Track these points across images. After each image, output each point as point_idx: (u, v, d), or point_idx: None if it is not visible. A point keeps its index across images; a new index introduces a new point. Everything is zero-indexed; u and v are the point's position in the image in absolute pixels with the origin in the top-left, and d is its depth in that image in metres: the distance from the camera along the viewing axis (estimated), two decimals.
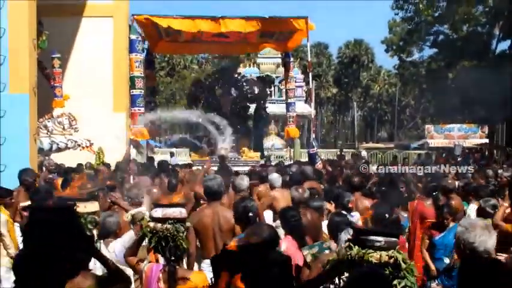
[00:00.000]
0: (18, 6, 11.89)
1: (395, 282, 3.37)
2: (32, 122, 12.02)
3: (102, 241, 5.62)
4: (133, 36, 12.75)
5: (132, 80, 12.41)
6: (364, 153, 32.82)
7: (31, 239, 3.03)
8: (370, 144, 53.77)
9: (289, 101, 16.64)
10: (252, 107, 16.85)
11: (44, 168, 11.95)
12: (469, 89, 37.59)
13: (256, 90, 16.84)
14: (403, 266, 3.39)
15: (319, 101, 69.12)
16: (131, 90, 12.53)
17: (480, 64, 35.16)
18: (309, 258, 5.38)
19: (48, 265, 2.77)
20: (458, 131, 40.30)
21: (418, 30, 42.52)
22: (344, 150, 30.92)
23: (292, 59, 17.20)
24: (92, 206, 5.13)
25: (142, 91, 12.62)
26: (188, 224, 4.79)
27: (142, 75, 12.60)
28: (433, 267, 7.09)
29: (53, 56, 16.00)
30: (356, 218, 7.19)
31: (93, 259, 4.06)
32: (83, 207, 4.88)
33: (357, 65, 74.32)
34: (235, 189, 8.32)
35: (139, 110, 12.41)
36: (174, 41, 16.67)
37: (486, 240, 3.93)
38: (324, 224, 5.96)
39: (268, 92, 22.13)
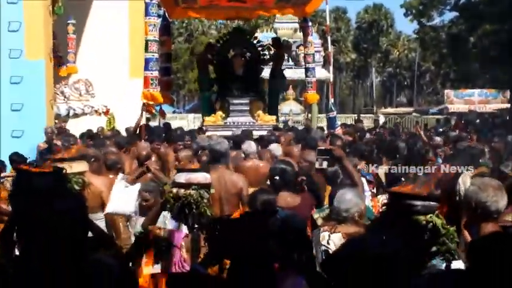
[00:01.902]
0: None
1: (434, 248, 3.28)
2: (48, 88, 12.10)
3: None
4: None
5: (145, 43, 12.30)
6: (382, 118, 32.62)
7: (17, 205, 2.90)
8: (389, 109, 53.36)
9: (307, 66, 16.45)
10: (267, 71, 16.58)
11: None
12: (491, 53, 37.08)
13: (271, 52, 16.57)
14: (442, 231, 3.27)
15: (337, 67, 68.58)
16: (145, 54, 12.42)
17: (502, 28, 34.46)
18: (319, 222, 5.39)
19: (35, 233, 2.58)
20: (479, 96, 39.83)
21: None
22: (362, 115, 30.80)
23: (310, 24, 16.82)
24: (79, 166, 4.94)
25: (156, 55, 12.48)
26: (213, 190, 4.63)
27: (156, 38, 12.44)
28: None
29: (68, 22, 16.01)
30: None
31: None
32: (69, 168, 4.59)
33: (376, 30, 73.37)
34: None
35: (151, 73, 12.24)
36: (190, 7, 16.44)
37: (498, 200, 3.86)
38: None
39: (286, 56, 21.70)
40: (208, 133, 12.65)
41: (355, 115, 36.63)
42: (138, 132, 11.17)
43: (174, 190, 4.39)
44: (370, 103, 72.91)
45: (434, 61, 62.57)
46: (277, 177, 5.68)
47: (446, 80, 64.16)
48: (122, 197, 5.78)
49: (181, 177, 4.43)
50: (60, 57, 16.04)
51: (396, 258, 2.58)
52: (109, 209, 5.94)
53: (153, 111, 13.54)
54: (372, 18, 73.28)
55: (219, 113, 14.60)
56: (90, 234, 3.71)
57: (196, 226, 4.38)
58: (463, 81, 48.85)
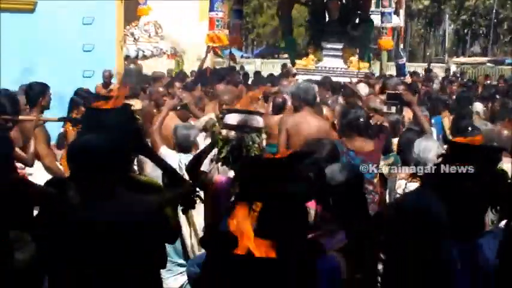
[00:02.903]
0: None
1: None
2: (118, 29, 12.28)
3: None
4: None
5: None
6: (453, 67, 31.65)
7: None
8: (462, 59, 51.60)
9: (383, 10, 15.82)
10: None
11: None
12: None
13: None
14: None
15: (409, 13, 66.50)
16: None
17: None
18: (385, 170, 5.34)
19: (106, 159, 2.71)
20: None
21: None
22: (432, 64, 29.91)
23: None
24: (135, 104, 4.81)
25: None
26: (264, 135, 4.29)
27: None
28: None
29: None
30: None
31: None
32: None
33: None
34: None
35: (217, 14, 12.12)
36: None
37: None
38: None
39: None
40: (298, 77, 12.40)
41: (426, 64, 35.63)
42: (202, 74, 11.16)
43: (224, 132, 4.14)
44: (441, 52, 70.72)
45: None
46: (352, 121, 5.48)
47: None
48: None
49: (233, 119, 4.15)
50: None
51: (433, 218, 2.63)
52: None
53: (220, 53, 13.52)
54: None
55: (311, 56, 14.40)
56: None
57: None
58: None
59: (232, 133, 4.11)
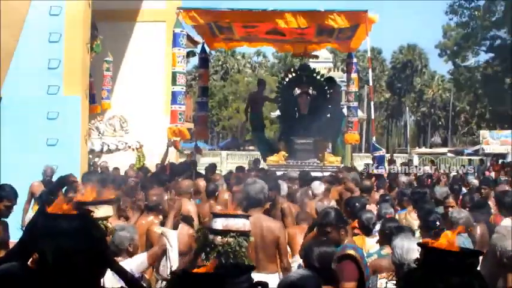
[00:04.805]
0: (74, 12, 12.28)
1: None
2: (83, 124, 12.34)
3: None
4: (177, 30, 12.19)
5: (173, 75, 12.07)
6: (416, 158, 32.30)
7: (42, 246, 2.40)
8: (423, 149, 52.84)
9: (349, 105, 15.68)
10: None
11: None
12: None
13: (334, 90, 15.96)
14: None
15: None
16: (172, 87, 12.14)
17: None
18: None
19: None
20: None
21: (473, 34, 41.66)
22: (395, 154, 30.47)
23: (355, 61, 15.92)
24: (105, 211, 4.49)
25: (184, 88, 12.31)
26: (252, 238, 4.27)
27: (184, 71, 12.34)
28: None
29: (105, 59, 16.39)
30: None
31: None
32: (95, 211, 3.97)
33: (410, 70, 73.26)
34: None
35: (179, 107, 11.98)
36: (229, 39, 16.26)
37: None
38: None
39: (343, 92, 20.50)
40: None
41: (389, 155, 36.30)
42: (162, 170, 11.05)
43: (210, 237, 4.07)
44: (403, 143, 72.26)
45: (469, 101, 62.07)
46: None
47: (481, 121, 63.44)
48: None
49: (219, 223, 4.08)
50: (93, 95, 16.36)
51: None
52: None
53: (179, 147, 13.39)
54: (407, 58, 73.28)
55: (282, 152, 14.39)
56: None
57: None
58: (498, 121, 48.19)
59: (219, 238, 4.04)
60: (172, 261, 5.06)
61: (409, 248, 4.36)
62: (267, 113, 37.91)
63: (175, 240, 5.25)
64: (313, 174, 11.16)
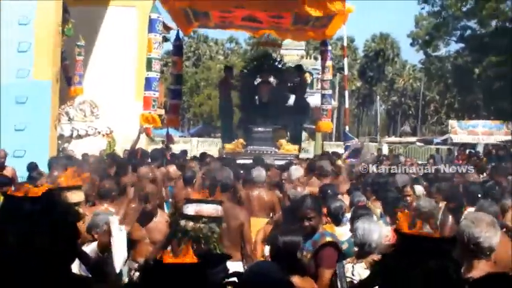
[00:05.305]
0: None
1: None
2: (53, 109, 12.19)
3: None
4: (153, 16, 11.96)
5: (149, 61, 11.91)
6: (385, 147, 32.62)
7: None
8: (393, 138, 53.35)
9: (324, 92, 15.62)
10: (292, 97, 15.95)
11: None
12: (495, 84, 37.17)
13: (297, 79, 15.92)
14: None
15: (343, 94, 68.71)
16: (147, 73, 11.96)
17: (507, 59, 34.60)
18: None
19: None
20: (483, 127, 39.74)
21: (445, 24, 41.99)
22: (365, 143, 30.64)
23: (330, 48, 15.87)
24: (75, 196, 4.46)
25: (159, 74, 12.15)
26: (224, 224, 4.23)
27: (160, 57, 12.18)
28: None
29: (77, 44, 16.18)
30: None
31: None
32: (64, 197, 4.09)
33: (382, 59, 73.71)
34: (251, 181, 8.09)
35: (154, 94, 11.82)
36: (204, 25, 16.15)
37: (491, 236, 3.75)
38: None
39: (309, 81, 20.34)
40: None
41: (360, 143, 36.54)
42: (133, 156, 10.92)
43: (182, 223, 4.03)
44: (374, 132, 72.90)
45: (439, 91, 62.79)
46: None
47: (450, 110, 64.28)
48: None
49: (191, 209, 4.04)
50: (69, 78, 16.15)
51: None
52: None
53: (151, 134, 13.26)
54: (379, 47, 73.67)
55: (240, 140, 14.35)
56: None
57: None
58: (467, 111, 48.90)
59: (191, 223, 4.01)
60: (116, 250, 4.70)
61: (370, 229, 4.68)
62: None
63: (117, 229, 4.85)
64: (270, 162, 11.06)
